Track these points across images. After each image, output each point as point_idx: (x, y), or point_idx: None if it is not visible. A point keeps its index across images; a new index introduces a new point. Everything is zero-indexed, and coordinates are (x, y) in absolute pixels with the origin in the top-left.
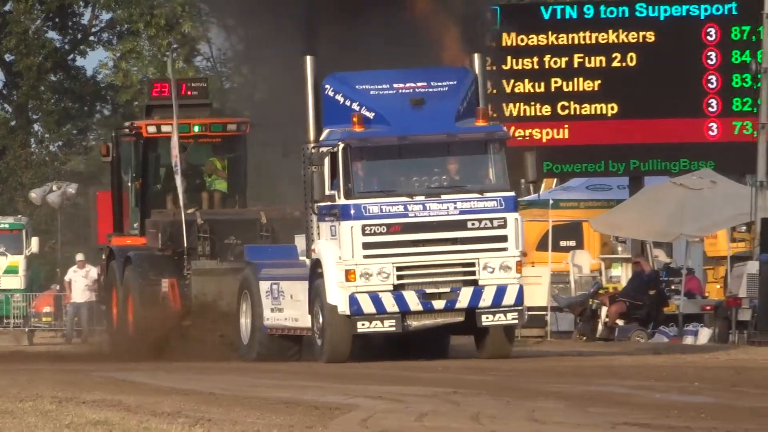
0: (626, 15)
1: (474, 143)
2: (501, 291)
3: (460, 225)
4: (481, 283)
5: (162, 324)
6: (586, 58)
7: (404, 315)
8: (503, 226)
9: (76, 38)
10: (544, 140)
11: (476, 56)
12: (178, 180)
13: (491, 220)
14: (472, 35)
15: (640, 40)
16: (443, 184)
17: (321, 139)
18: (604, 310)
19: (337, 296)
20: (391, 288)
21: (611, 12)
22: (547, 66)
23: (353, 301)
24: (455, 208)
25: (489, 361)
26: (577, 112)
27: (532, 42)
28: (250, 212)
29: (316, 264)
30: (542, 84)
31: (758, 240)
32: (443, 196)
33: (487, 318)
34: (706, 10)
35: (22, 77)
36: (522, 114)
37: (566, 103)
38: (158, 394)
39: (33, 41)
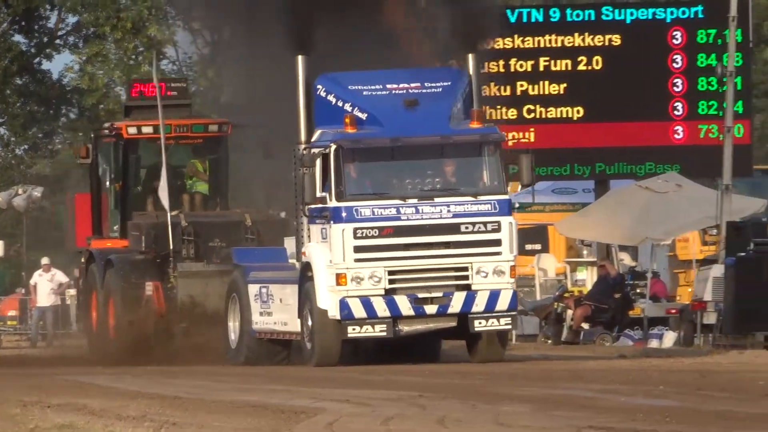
0: (592, 18)
1: (468, 145)
2: (494, 296)
3: (454, 228)
4: (474, 287)
5: (145, 327)
6: (552, 62)
7: (396, 320)
8: (497, 229)
9: (42, 42)
10: (510, 144)
11: (470, 57)
12: (164, 182)
13: (485, 223)
14: (467, 35)
15: (606, 44)
16: (436, 186)
17: (312, 140)
18: (569, 313)
19: (327, 300)
20: (382, 292)
21: (577, 15)
22: (513, 69)
23: (344, 305)
24: (448, 211)
25: (458, 365)
26: (543, 116)
27: (498, 45)
28: (235, 215)
29: (307, 267)
30: (508, 87)
31: (724, 243)
32: (436, 199)
33: (480, 323)
34: (672, 13)
35: None
36: (488, 117)
37: (532, 107)
38: (124, 398)
39: None
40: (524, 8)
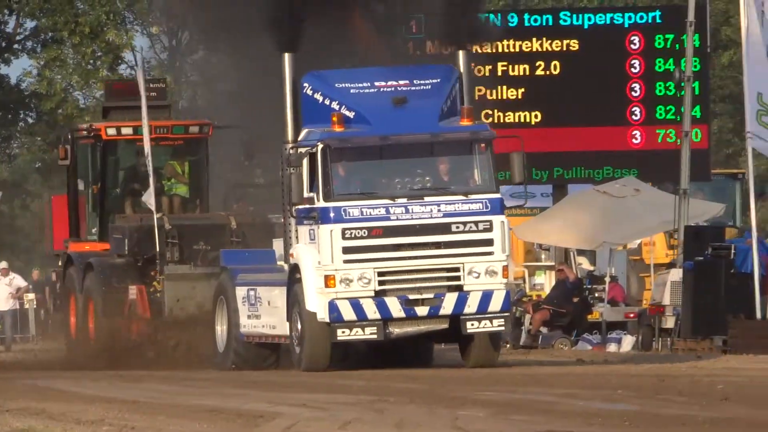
0: (550, 23)
1: (458, 143)
2: (487, 297)
3: (444, 228)
4: (465, 288)
5: (128, 332)
6: (510, 67)
7: (386, 322)
8: (489, 229)
9: (0, 46)
10: None
11: (461, 53)
12: (151, 183)
13: (476, 223)
14: (458, 32)
15: (564, 49)
16: (426, 185)
17: (299, 139)
18: (527, 317)
19: (316, 303)
20: (372, 294)
21: (535, 20)
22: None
23: (333, 307)
24: (439, 210)
25: (416, 370)
26: (501, 120)
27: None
28: (220, 217)
29: (295, 269)
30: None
31: (682, 248)
32: (426, 199)
33: (472, 325)
34: (630, 18)
35: None
36: None
37: (490, 111)
38: (82, 402)
39: None
40: (482, 14)
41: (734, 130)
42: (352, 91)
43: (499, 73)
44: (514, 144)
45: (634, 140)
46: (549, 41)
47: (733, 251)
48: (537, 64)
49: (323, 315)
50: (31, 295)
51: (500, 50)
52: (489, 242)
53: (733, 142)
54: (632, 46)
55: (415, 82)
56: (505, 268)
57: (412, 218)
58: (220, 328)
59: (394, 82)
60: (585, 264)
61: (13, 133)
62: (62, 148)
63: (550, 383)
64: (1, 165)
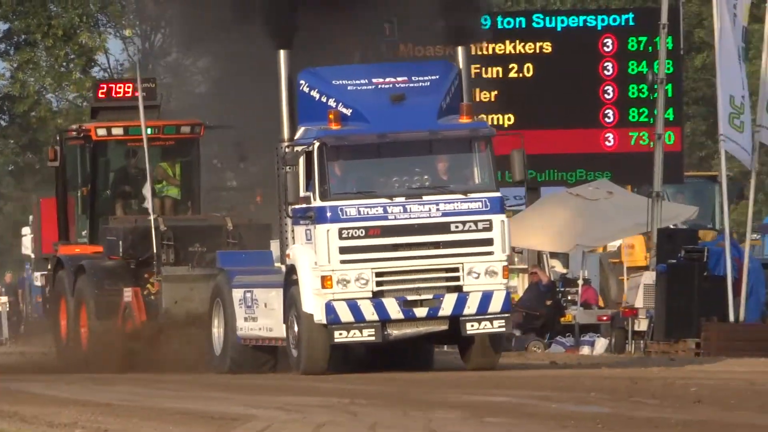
0: (523, 26)
1: (457, 141)
2: (486, 297)
3: (443, 228)
4: (465, 289)
5: (123, 335)
6: (483, 69)
7: (384, 324)
8: (489, 228)
9: None
10: None
11: (460, 49)
12: (148, 184)
13: (476, 222)
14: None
15: (537, 51)
16: (425, 184)
17: (296, 137)
18: None
19: (312, 304)
20: (370, 295)
21: (508, 23)
22: None
23: (330, 309)
24: (438, 209)
25: (389, 373)
26: None
27: (429, 53)
28: (215, 218)
29: (291, 270)
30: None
31: (655, 251)
32: (425, 198)
33: (472, 326)
34: (603, 21)
35: None
36: None
37: None
38: (56, 405)
39: None
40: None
41: (707, 132)
42: (349, 88)
43: (473, 76)
44: (515, 142)
45: (607, 143)
46: (522, 44)
47: (706, 254)
48: (510, 66)
49: (320, 317)
50: (4, 299)
51: (473, 52)
52: (489, 242)
53: (707, 145)
54: (605, 48)
55: (413, 78)
56: (506, 268)
57: (411, 218)
58: (217, 331)
59: (392, 79)
60: (558, 267)
61: None
62: (51, 150)
63: (523, 386)
64: None
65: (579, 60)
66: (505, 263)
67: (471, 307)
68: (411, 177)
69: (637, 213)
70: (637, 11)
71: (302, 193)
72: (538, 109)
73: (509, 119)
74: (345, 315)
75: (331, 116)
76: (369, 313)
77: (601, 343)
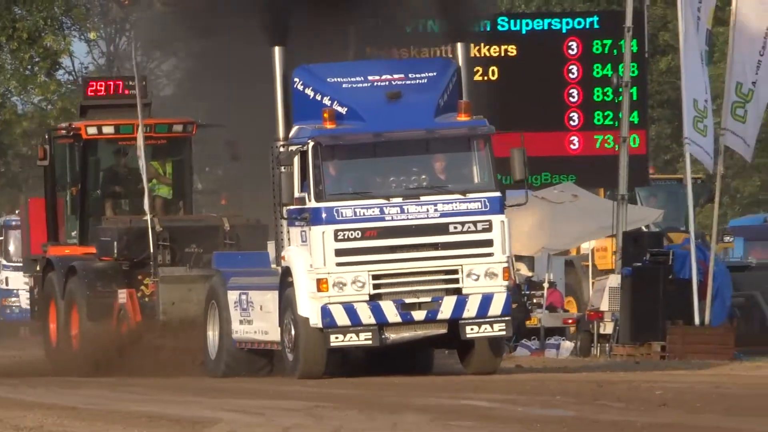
0: (488, 29)
1: (455, 139)
2: (486, 300)
3: (442, 229)
4: (464, 291)
5: (117, 338)
6: None
7: (381, 327)
8: (488, 229)
9: None
10: None
11: (459, 45)
12: (145, 184)
13: (475, 223)
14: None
15: (502, 54)
16: (422, 184)
17: (290, 136)
18: None
19: (308, 307)
20: (366, 298)
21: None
22: None
23: (326, 312)
24: (436, 210)
25: (356, 378)
26: None
27: (395, 56)
28: (212, 219)
29: (287, 272)
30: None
31: (620, 254)
32: (422, 198)
33: (471, 330)
34: (567, 24)
35: None
36: None
37: None
38: (21, 408)
39: None
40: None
41: (672, 135)
42: (344, 85)
43: None
44: (514, 140)
45: (572, 146)
46: (487, 47)
47: (671, 257)
48: (475, 69)
49: (316, 320)
50: None
51: (438, 56)
52: (489, 243)
53: (672, 148)
54: (570, 51)
55: (410, 75)
56: (506, 270)
57: (408, 218)
58: (212, 334)
59: (389, 76)
60: (523, 270)
61: None
62: (41, 149)
63: (488, 389)
64: None
65: (544, 63)
66: (506, 265)
67: (470, 310)
68: (408, 177)
69: (603, 216)
70: (602, 14)
71: (297, 194)
72: (502, 112)
73: None
74: (341, 318)
75: (325, 115)
76: (366, 316)
77: (567, 347)
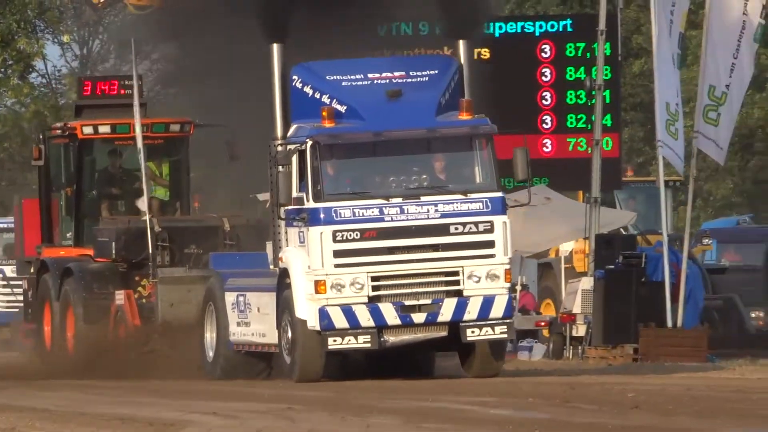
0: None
1: (456, 139)
2: (488, 302)
3: (442, 230)
4: (465, 293)
5: (114, 340)
6: None
7: (381, 330)
8: (490, 230)
9: None
10: None
11: (461, 43)
12: (144, 185)
13: (476, 223)
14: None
15: (475, 57)
16: (423, 184)
17: (288, 135)
18: None
19: (306, 310)
20: (365, 300)
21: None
22: None
23: (324, 314)
24: (436, 211)
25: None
26: None
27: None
28: (212, 219)
29: (284, 274)
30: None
31: (592, 256)
32: (423, 198)
33: (472, 332)
34: (541, 27)
35: None
36: None
37: None
38: None
39: None
40: (394, 22)
41: (645, 138)
42: (343, 83)
43: None
44: (517, 141)
45: (545, 149)
46: None
47: (644, 260)
48: None
49: (314, 323)
50: None
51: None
52: (490, 244)
53: (645, 151)
54: (543, 54)
55: (411, 73)
56: (508, 272)
57: (408, 219)
58: (210, 336)
59: (389, 74)
60: None
61: None
62: (36, 148)
63: (461, 391)
64: None
65: (517, 66)
66: (508, 266)
67: (471, 312)
68: (408, 176)
69: (575, 218)
70: (575, 17)
71: (295, 194)
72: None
73: None
74: (339, 321)
75: (324, 113)
76: (365, 318)
77: (539, 349)
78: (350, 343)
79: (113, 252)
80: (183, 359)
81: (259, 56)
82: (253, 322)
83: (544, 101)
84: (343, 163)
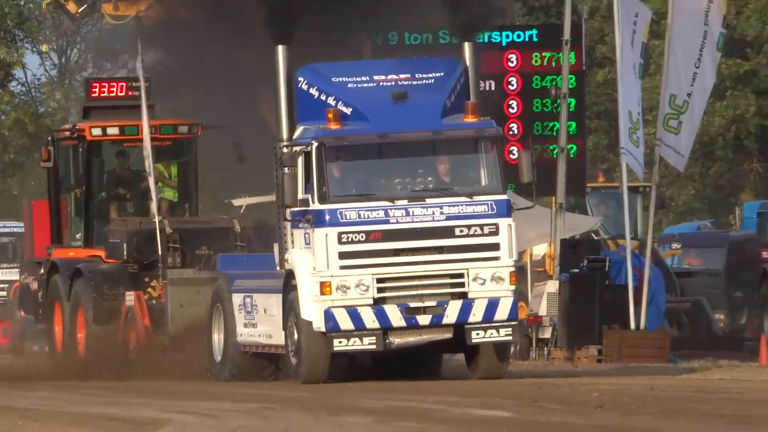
0: (429, 42)
1: (462, 141)
2: (493, 305)
3: (447, 232)
4: (470, 296)
5: (125, 340)
6: None
7: (386, 331)
8: (495, 233)
9: None
10: None
11: (467, 45)
12: (152, 186)
13: (481, 226)
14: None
15: None
16: (428, 186)
17: (294, 137)
18: None
19: (311, 311)
20: (371, 302)
21: (415, 39)
22: None
23: (329, 316)
24: (441, 213)
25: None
26: None
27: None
28: (223, 220)
29: (290, 275)
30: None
31: (558, 260)
32: (428, 201)
33: (477, 334)
34: (507, 37)
35: None
36: None
37: None
38: None
39: None
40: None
41: (609, 146)
42: (349, 85)
43: None
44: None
45: (511, 155)
46: None
47: (607, 263)
48: None
49: (319, 324)
50: None
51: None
52: (495, 246)
53: (609, 158)
54: (510, 64)
55: (416, 76)
56: (513, 274)
57: (413, 221)
58: (217, 337)
59: (395, 76)
60: None
61: None
62: (45, 150)
63: (429, 391)
64: None
65: (484, 75)
66: (512, 269)
67: (476, 314)
68: (413, 179)
69: (541, 224)
70: (541, 28)
71: (301, 196)
72: None
73: None
74: (345, 322)
75: (330, 115)
76: (370, 320)
77: None
78: (355, 344)
79: (125, 253)
80: (193, 360)
81: (259, 59)
82: (259, 323)
83: (510, 109)
84: (349, 164)
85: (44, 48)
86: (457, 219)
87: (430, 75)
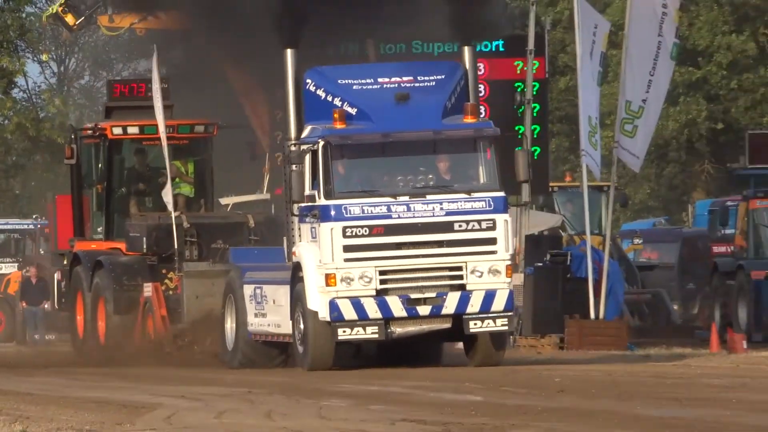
0: (403, 51)
1: (461, 141)
2: (490, 296)
3: (447, 227)
4: (468, 287)
5: (143, 330)
6: None
7: (387, 321)
8: (492, 228)
9: None
10: None
11: (466, 49)
12: (168, 182)
13: (479, 221)
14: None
15: None
16: (429, 183)
17: (302, 136)
18: None
19: (317, 301)
20: (373, 293)
21: (390, 48)
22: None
23: (334, 306)
24: (441, 209)
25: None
26: None
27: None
28: (237, 215)
29: (297, 267)
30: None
31: (523, 255)
32: (429, 197)
33: (475, 324)
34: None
35: None
36: None
37: None
38: None
39: None
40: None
41: (570, 148)
42: (354, 87)
43: None
44: (519, 142)
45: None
46: None
47: (569, 258)
48: None
49: (324, 314)
50: None
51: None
52: (492, 241)
53: (570, 159)
54: (478, 72)
55: (419, 78)
56: (509, 267)
57: (414, 216)
58: (230, 327)
59: (398, 78)
60: None
61: None
62: (68, 147)
63: (404, 377)
64: None
65: None
66: (509, 262)
67: (474, 305)
68: (415, 176)
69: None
70: (507, 38)
71: (308, 192)
72: None
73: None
74: (348, 312)
75: (335, 115)
76: (372, 311)
77: None
78: (359, 333)
79: (144, 246)
80: (209, 349)
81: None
82: (269, 313)
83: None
84: (354, 162)
85: (44, 57)
86: (456, 214)
87: (431, 78)
